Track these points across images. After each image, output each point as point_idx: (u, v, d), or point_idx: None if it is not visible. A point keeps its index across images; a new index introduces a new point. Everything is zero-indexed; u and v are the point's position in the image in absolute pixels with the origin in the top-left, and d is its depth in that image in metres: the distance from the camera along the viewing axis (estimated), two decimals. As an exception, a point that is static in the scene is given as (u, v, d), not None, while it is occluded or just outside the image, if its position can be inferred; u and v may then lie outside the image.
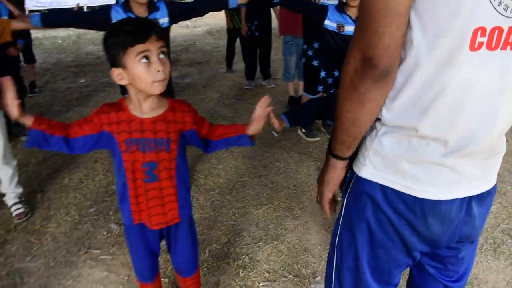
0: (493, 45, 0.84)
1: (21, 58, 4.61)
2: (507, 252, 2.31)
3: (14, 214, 2.58)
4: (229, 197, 2.80)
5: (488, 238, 2.41)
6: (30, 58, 4.82)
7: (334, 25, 2.53)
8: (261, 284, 2.10)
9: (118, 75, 1.28)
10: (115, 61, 1.26)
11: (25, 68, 4.89)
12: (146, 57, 1.24)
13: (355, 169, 1.03)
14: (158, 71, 1.25)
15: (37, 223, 2.57)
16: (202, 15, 2.62)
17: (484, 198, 1.04)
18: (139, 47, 1.22)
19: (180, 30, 9.00)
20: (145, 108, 1.36)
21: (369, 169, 0.99)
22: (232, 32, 5.47)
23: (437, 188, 0.96)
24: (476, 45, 0.82)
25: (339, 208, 1.11)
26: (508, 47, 0.85)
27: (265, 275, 2.16)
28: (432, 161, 0.94)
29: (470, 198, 1.00)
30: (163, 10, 2.38)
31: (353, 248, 1.07)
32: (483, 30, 0.81)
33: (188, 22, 9.87)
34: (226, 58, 5.80)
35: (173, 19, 2.42)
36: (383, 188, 0.98)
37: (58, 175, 3.13)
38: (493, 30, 0.82)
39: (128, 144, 1.35)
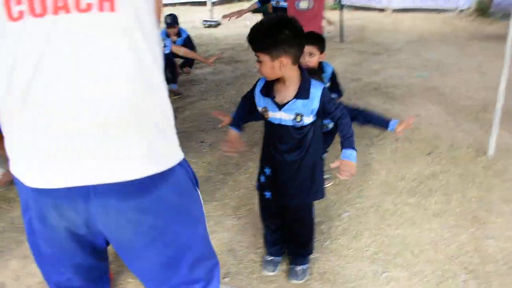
0: (38, 11, 0.78)
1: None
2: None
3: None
4: (185, 190, 2.88)
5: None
6: None
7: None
8: (169, 275, 2.15)
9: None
10: None
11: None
12: None
13: None
14: None
15: None
16: None
17: (122, 192, 0.93)
18: None
19: (238, 30, 9.25)
20: None
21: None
22: None
23: (42, 176, 0.91)
24: (15, 15, 0.77)
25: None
26: (62, 11, 0.79)
27: (177, 267, 2.20)
28: (29, 147, 0.89)
29: (96, 188, 0.91)
30: None
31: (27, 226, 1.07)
32: None
33: (248, 22, 10.11)
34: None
35: None
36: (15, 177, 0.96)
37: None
38: None
39: None
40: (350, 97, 4.66)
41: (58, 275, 1.12)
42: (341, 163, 1.75)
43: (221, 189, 2.89)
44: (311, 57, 3.05)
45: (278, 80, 1.76)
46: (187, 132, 3.83)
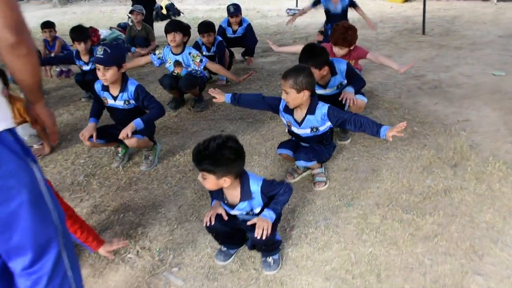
0: None
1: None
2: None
3: None
4: (180, 176, 2.88)
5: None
6: None
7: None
8: (128, 255, 2.19)
9: None
10: None
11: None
12: None
13: None
14: None
15: None
16: None
17: None
18: None
19: (321, 19, 8.86)
20: None
21: None
22: None
23: None
24: None
25: None
26: None
27: (138, 250, 2.22)
28: None
29: None
30: (131, 92, 2.81)
31: None
32: None
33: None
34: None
35: (137, 102, 2.84)
36: None
37: None
38: None
39: None
40: (400, 95, 4.17)
41: None
42: (259, 219, 1.82)
43: (215, 180, 2.82)
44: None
45: None
46: (214, 120, 3.81)
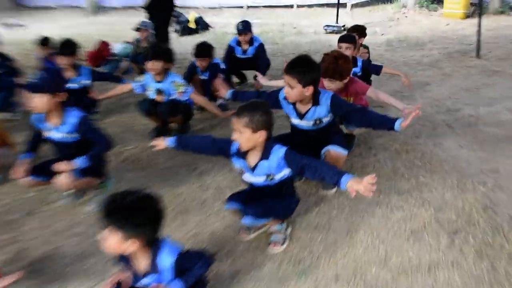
0: None
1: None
2: None
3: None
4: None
5: None
6: None
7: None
8: None
9: None
10: None
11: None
12: None
13: None
14: None
15: None
16: None
17: None
18: None
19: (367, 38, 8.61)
20: None
21: None
22: None
23: None
24: None
25: None
26: None
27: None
28: None
29: None
30: (72, 124, 2.74)
31: None
32: None
33: (377, 28, 9.33)
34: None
35: (81, 135, 2.78)
36: None
37: None
38: None
39: None
40: (420, 134, 3.83)
41: None
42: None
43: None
44: (291, 89, 2.61)
45: None
46: (192, 155, 3.68)
